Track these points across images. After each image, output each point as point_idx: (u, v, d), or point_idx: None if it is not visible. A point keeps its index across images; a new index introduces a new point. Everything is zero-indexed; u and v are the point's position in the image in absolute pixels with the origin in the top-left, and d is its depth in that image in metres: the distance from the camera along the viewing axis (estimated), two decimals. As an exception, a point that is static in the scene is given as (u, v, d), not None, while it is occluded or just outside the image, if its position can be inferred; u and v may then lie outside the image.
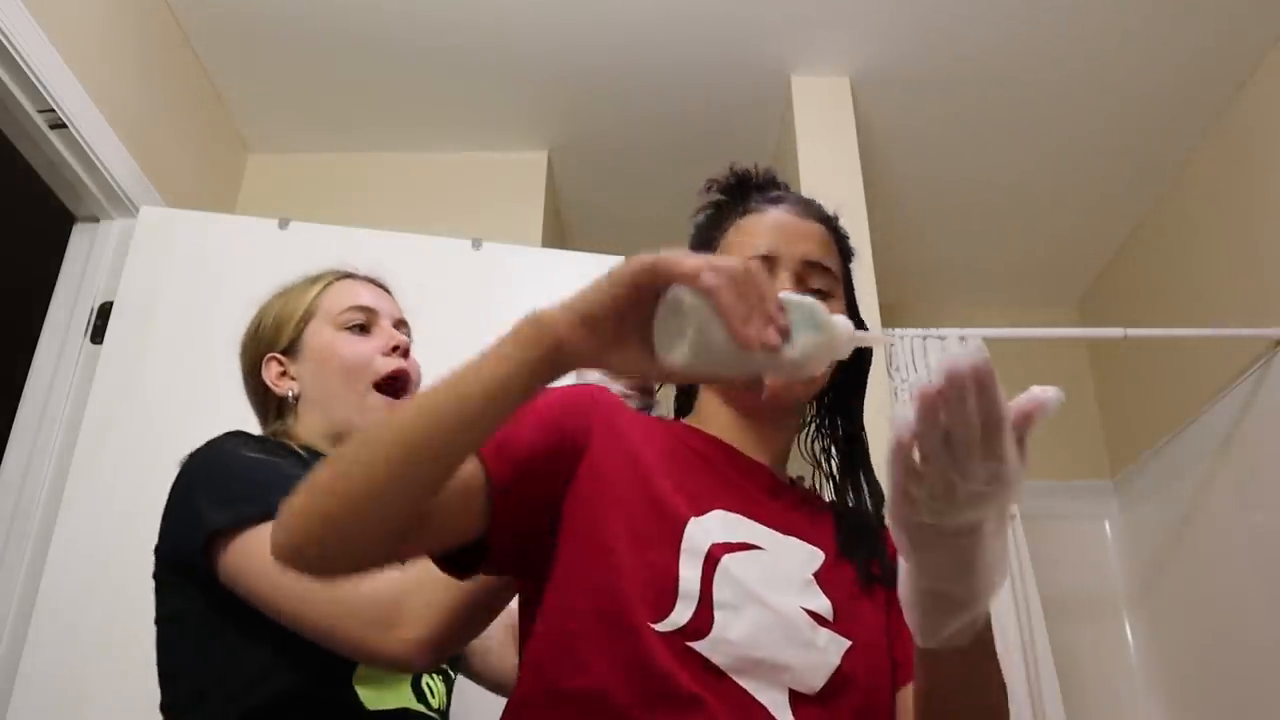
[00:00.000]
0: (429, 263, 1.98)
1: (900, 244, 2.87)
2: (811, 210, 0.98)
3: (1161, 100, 2.47)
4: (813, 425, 1.02)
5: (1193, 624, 2.55)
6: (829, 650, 0.78)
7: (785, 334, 0.65)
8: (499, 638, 1.21)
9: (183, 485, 1.07)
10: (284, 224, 2.02)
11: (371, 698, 1.03)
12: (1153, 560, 2.75)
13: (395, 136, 2.65)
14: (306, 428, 1.18)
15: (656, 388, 1.08)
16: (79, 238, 2.04)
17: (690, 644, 0.75)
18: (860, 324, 0.96)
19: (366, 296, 1.24)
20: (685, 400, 1.05)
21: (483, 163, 2.68)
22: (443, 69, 2.43)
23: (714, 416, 0.94)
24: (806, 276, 0.92)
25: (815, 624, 0.79)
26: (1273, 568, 2.21)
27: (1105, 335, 2.63)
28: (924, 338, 2.21)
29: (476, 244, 2.08)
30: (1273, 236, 2.30)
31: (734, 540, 0.80)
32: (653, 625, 0.75)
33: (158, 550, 1.08)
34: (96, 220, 2.04)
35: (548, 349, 0.67)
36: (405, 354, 1.22)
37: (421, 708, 1.09)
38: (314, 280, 1.24)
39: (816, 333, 0.66)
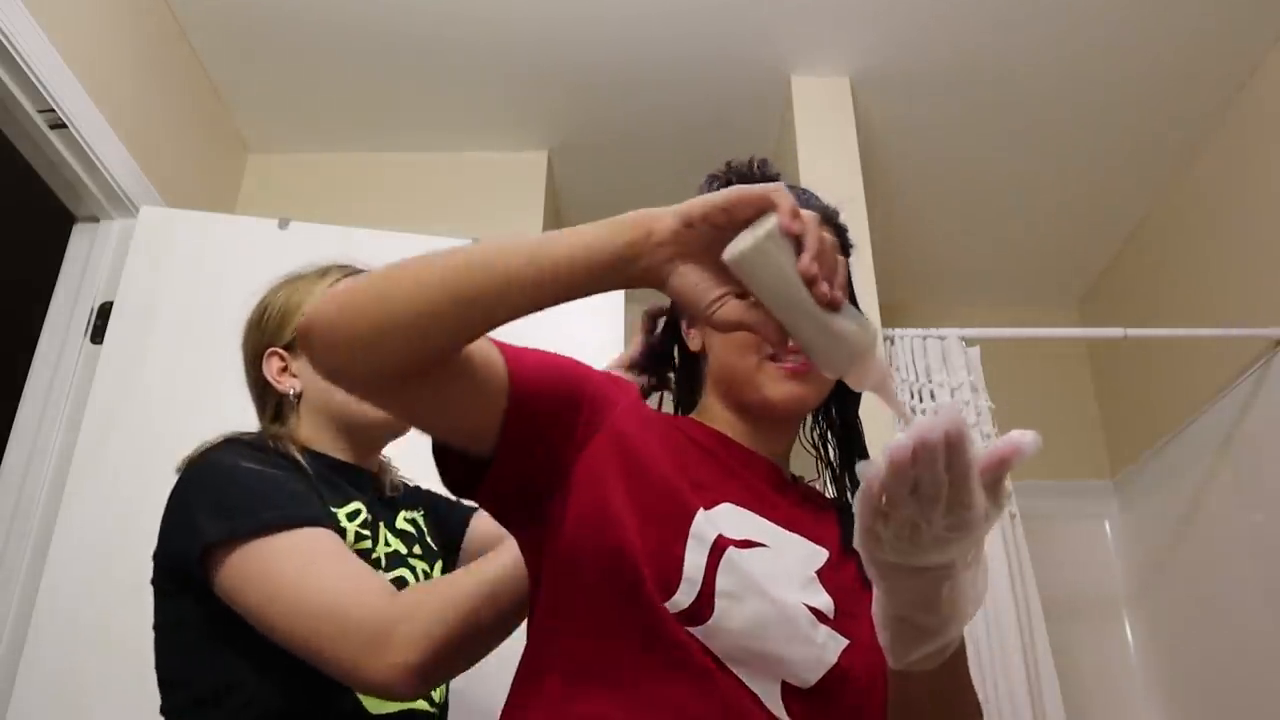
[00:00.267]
0: (429, 263, 1.97)
1: (900, 244, 2.87)
2: (810, 206, 0.98)
3: (1161, 100, 2.47)
4: (811, 415, 1.02)
5: (1193, 624, 2.55)
6: (827, 647, 0.79)
7: (838, 305, 0.66)
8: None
9: (180, 495, 1.06)
10: (284, 224, 2.02)
11: (374, 702, 1.03)
12: (1153, 560, 2.75)
13: (395, 136, 2.65)
14: (308, 427, 1.17)
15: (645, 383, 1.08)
16: (79, 238, 2.04)
17: (690, 629, 0.76)
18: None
19: None
20: (687, 398, 1.05)
21: (483, 163, 2.68)
22: (443, 69, 2.43)
23: (718, 415, 0.95)
24: None
25: (815, 620, 0.79)
26: (1273, 568, 2.22)
27: (1105, 335, 2.63)
28: (924, 338, 2.21)
29: (477, 244, 2.08)
30: (1273, 236, 2.30)
31: (739, 537, 0.81)
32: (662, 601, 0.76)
33: (155, 558, 1.08)
34: (96, 220, 2.04)
35: (637, 233, 0.69)
36: None
37: (424, 704, 1.08)
38: (322, 274, 1.22)
39: (861, 330, 0.67)
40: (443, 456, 0.83)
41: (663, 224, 0.69)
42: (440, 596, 0.93)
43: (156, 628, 1.08)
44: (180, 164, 2.29)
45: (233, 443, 1.09)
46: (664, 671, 0.75)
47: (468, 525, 1.30)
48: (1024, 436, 0.57)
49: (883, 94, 2.48)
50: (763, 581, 0.78)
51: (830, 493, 1.01)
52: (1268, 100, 2.34)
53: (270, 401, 1.19)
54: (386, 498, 1.21)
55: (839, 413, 1.02)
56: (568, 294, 0.72)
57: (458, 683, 1.18)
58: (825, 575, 0.84)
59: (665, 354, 1.06)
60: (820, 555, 0.85)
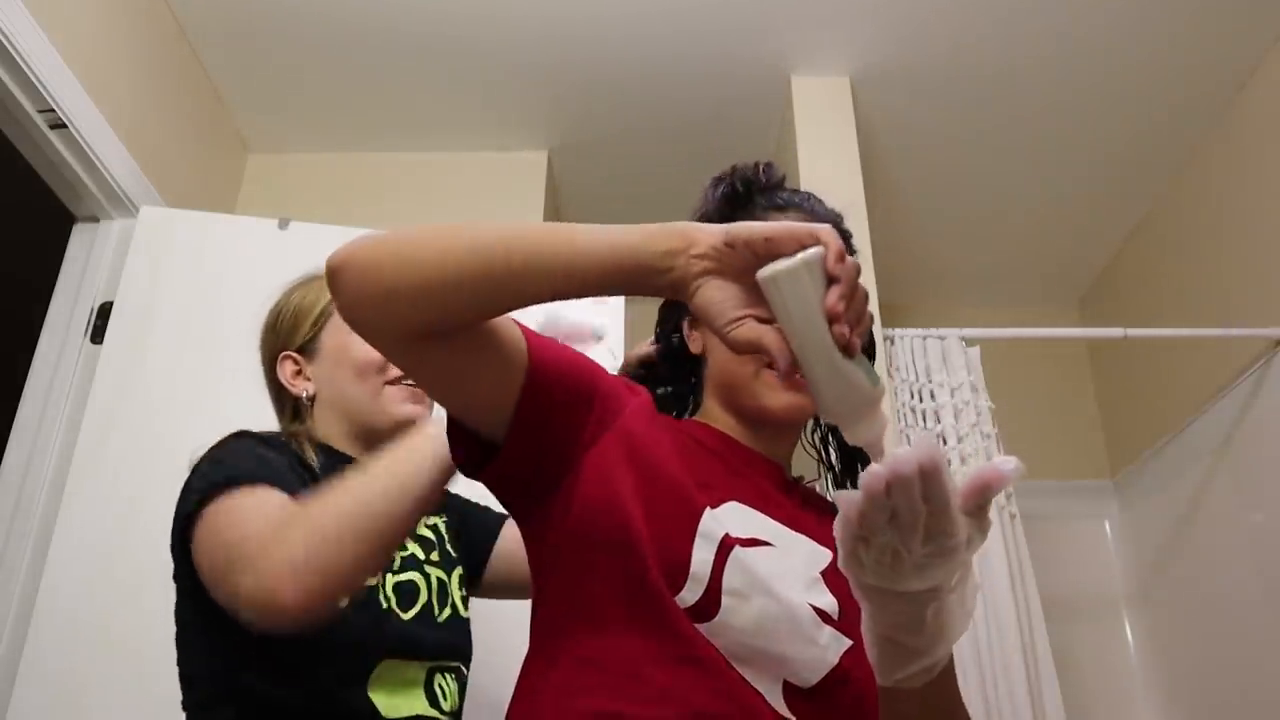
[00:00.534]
0: (429, 263, 1.97)
1: (900, 244, 2.87)
2: (820, 216, 0.98)
3: (1161, 100, 2.47)
4: (813, 418, 1.02)
5: (1193, 624, 2.55)
6: (829, 648, 0.79)
7: (854, 352, 0.67)
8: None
9: (184, 484, 1.06)
10: (284, 224, 2.02)
11: (387, 705, 1.03)
12: (1153, 560, 2.75)
13: (395, 136, 2.65)
14: (324, 428, 1.18)
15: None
16: (79, 238, 2.04)
17: (695, 624, 0.76)
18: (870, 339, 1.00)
19: None
20: (690, 400, 1.05)
21: (483, 163, 2.68)
22: (443, 69, 2.43)
23: (719, 418, 0.96)
24: None
25: (820, 621, 0.79)
26: (1273, 568, 2.22)
27: (1105, 335, 2.63)
28: (924, 338, 2.21)
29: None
30: (1273, 236, 2.30)
31: (746, 535, 0.81)
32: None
33: (171, 549, 1.07)
34: (96, 220, 2.04)
35: (678, 243, 0.70)
36: None
37: (434, 713, 1.08)
38: None
39: (873, 381, 0.68)
40: (455, 435, 0.84)
41: (705, 238, 0.70)
42: (308, 522, 0.91)
43: (176, 622, 1.08)
44: (180, 164, 2.29)
45: (243, 434, 1.10)
46: (673, 665, 0.75)
47: (499, 531, 1.31)
48: (1007, 463, 0.58)
49: (883, 94, 2.48)
50: (769, 580, 0.78)
51: (832, 495, 1.01)
52: (1268, 100, 2.34)
53: (288, 403, 1.21)
54: None
55: None
56: (596, 289, 0.73)
57: (473, 683, 1.19)
58: (829, 576, 0.84)
59: (680, 356, 1.05)
60: (824, 556, 0.86)
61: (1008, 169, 2.73)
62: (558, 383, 0.82)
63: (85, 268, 2.00)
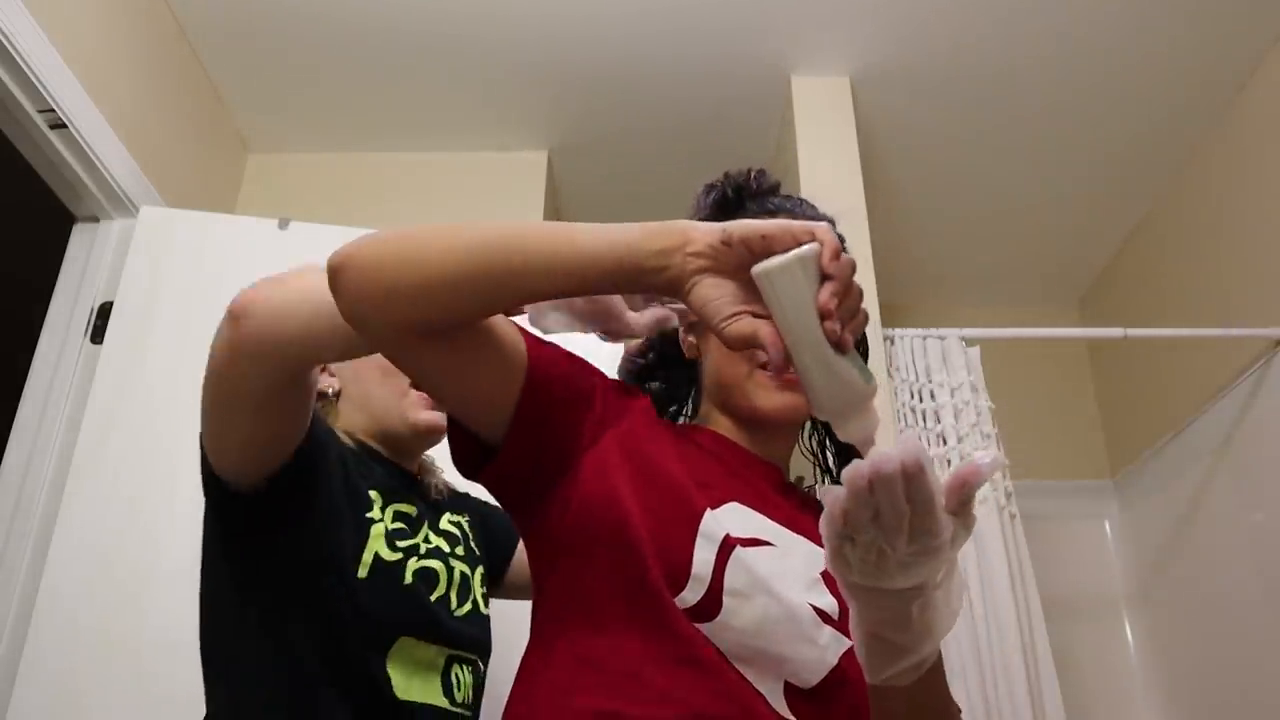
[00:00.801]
0: (429, 263, 1.97)
1: (900, 244, 2.87)
2: (809, 218, 0.97)
3: (1161, 100, 2.47)
4: (809, 421, 1.02)
5: (1193, 624, 2.55)
6: (829, 649, 0.79)
7: (846, 349, 0.67)
8: None
9: None
10: (284, 224, 2.02)
11: (401, 684, 1.04)
12: (1153, 560, 2.75)
13: (395, 136, 2.65)
14: (347, 423, 1.19)
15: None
16: (79, 238, 2.04)
17: (697, 625, 0.76)
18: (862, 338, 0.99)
19: None
20: (674, 398, 1.05)
21: (483, 163, 2.68)
22: (443, 69, 2.43)
23: (717, 422, 0.96)
24: None
25: (820, 621, 0.80)
26: (1273, 568, 2.22)
27: (1105, 335, 2.63)
28: (924, 338, 2.21)
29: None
30: (1273, 236, 2.30)
31: (747, 535, 0.81)
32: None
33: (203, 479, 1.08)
34: (96, 220, 2.04)
35: (673, 241, 0.70)
36: None
37: (446, 703, 1.09)
38: None
39: (865, 379, 0.68)
40: (455, 436, 0.85)
41: (701, 236, 0.70)
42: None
43: (200, 596, 1.08)
44: (180, 164, 2.29)
45: None
46: (673, 665, 0.75)
47: (516, 548, 1.33)
48: (984, 457, 0.59)
49: (883, 94, 2.48)
50: (770, 580, 0.78)
51: (818, 491, 1.02)
52: (1268, 100, 2.34)
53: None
54: (431, 500, 1.23)
55: None
56: (596, 287, 0.74)
57: (492, 683, 1.19)
58: (829, 576, 0.84)
59: (671, 358, 1.06)
60: (823, 557, 0.86)
61: (1008, 169, 2.72)
62: (557, 382, 0.83)
63: (85, 268, 2.00)
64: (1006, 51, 2.35)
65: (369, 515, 1.09)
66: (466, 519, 1.27)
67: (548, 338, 0.86)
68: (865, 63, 2.41)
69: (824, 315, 0.66)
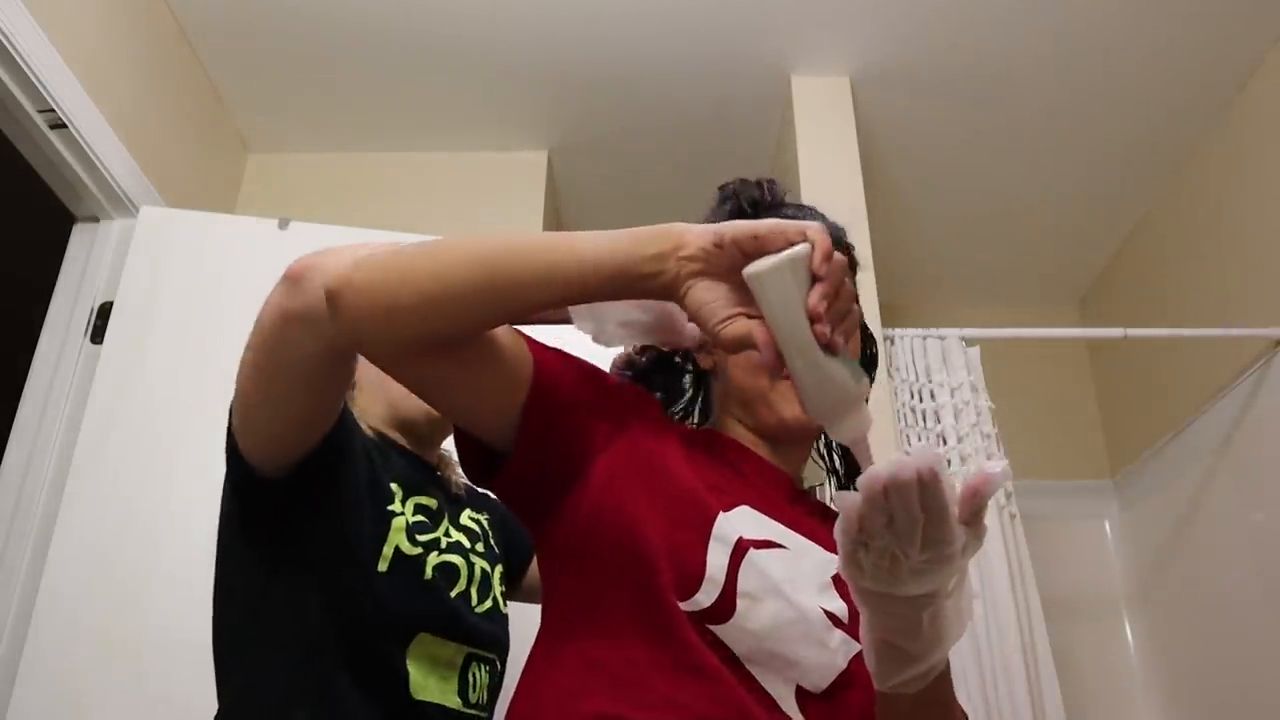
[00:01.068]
0: (429, 263, 1.97)
1: (900, 244, 2.87)
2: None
3: (1162, 100, 2.47)
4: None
5: (1193, 624, 2.55)
6: (839, 652, 0.79)
7: (837, 350, 0.67)
8: None
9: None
10: (284, 224, 2.02)
11: (419, 682, 1.03)
12: (1153, 560, 2.75)
13: (395, 136, 2.65)
14: (363, 411, 1.18)
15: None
16: (79, 238, 2.04)
17: (711, 627, 0.76)
18: (870, 338, 1.01)
19: None
20: (697, 412, 1.05)
21: (483, 163, 2.68)
22: (443, 69, 2.43)
23: (734, 431, 0.95)
24: None
25: (831, 625, 0.80)
26: (1273, 568, 2.22)
27: (1105, 335, 2.63)
28: (924, 338, 2.21)
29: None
30: (1273, 236, 2.30)
31: (760, 537, 0.81)
32: (677, 602, 0.77)
33: (222, 515, 1.07)
34: (96, 220, 2.04)
35: (666, 245, 0.71)
36: None
37: (460, 704, 1.08)
38: None
39: (856, 379, 0.68)
40: (463, 444, 0.85)
41: (694, 239, 0.70)
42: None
43: (215, 583, 1.06)
44: (180, 164, 2.29)
45: None
46: (675, 672, 0.75)
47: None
48: (994, 466, 0.60)
49: (883, 94, 2.48)
50: (782, 584, 0.78)
51: (833, 497, 1.01)
52: (1268, 100, 2.34)
53: None
54: (452, 494, 1.22)
55: None
56: (598, 295, 0.74)
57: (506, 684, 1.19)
58: (840, 580, 0.84)
59: (668, 363, 1.05)
60: (833, 562, 0.85)
61: (1008, 169, 2.73)
62: (564, 389, 0.83)
63: (85, 268, 2.00)
64: (1006, 51, 2.35)
65: (390, 508, 1.08)
66: (486, 517, 1.26)
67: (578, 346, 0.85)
68: (865, 63, 2.41)
69: (813, 318, 0.66)
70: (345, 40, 2.34)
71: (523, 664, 0.85)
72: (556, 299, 0.75)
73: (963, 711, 0.79)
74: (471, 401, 0.82)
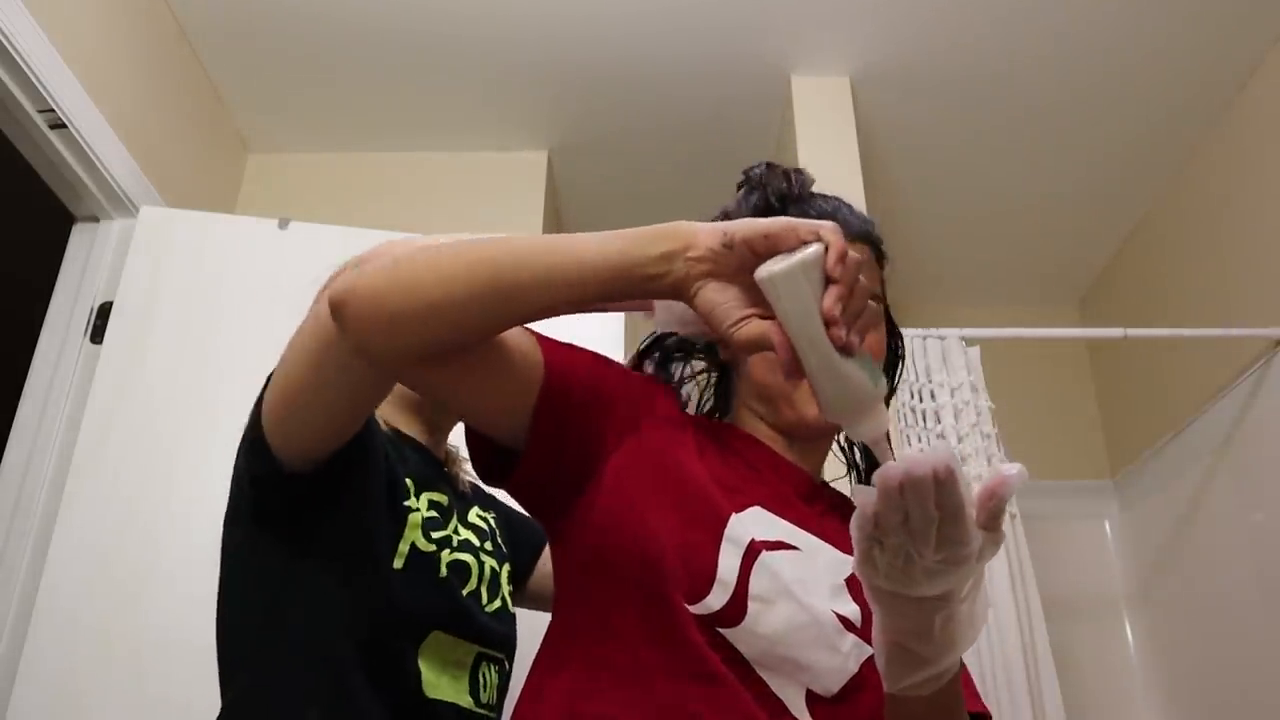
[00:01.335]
0: (429, 262, 1.97)
1: (900, 244, 2.84)
2: (854, 229, 0.95)
3: (1162, 100, 2.47)
4: None
5: (1193, 624, 2.55)
6: (850, 656, 0.78)
7: (852, 351, 0.66)
8: None
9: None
10: (284, 224, 2.02)
11: (431, 680, 1.03)
12: (1153, 560, 2.75)
13: (395, 136, 2.65)
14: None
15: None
16: (79, 238, 2.04)
17: (721, 630, 0.76)
18: (896, 333, 1.00)
19: None
20: (719, 403, 1.04)
21: (483, 163, 2.68)
22: (443, 69, 2.43)
23: (753, 428, 0.94)
24: None
25: (843, 629, 0.79)
26: (1272, 568, 2.22)
27: (1105, 335, 2.63)
28: (924, 338, 2.21)
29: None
30: (1273, 236, 2.30)
31: (772, 538, 0.81)
32: (686, 605, 0.76)
33: (231, 513, 1.05)
34: (96, 220, 2.04)
35: (675, 245, 0.70)
36: None
37: (471, 703, 1.08)
38: None
39: (873, 380, 0.67)
40: (474, 442, 0.84)
41: (703, 239, 0.69)
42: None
43: (221, 580, 1.05)
44: (180, 164, 2.29)
45: None
46: (678, 676, 0.75)
47: (539, 553, 1.31)
48: (1011, 469, 0.60)
49: (883, 94, 2.48)
50: (794, 586, 0.78)
51: (851, 490, 1.00)
52: (1268, 100, 2.34)
53: None
54: (460, 491, 1.22)
55: None
56: (602, 296, 0.73)
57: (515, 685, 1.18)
58: (853, 584, 0.83)
59: (687, 347, 1.02)
60: (847, 564, 0.85)
61: (1008, 169, 2.73)
62: (575, 389, 0.82)
63: (85, 268, 2.00)
64: (1006, 52, 2.35)
65: (406, 503, 1.07)
66: (493, 516, 1.26)
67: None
68: (865, 63, 2.41)
69: (829, 321, 0.65)
70: (345, 40, 2.34)
71: (529, 664, 0.85)
72: (561, 302, 0.74)
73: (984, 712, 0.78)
74: (482, 403, 0.81)
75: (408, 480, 1.09)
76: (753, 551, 0.78)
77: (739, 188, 0.99)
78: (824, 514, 0.90)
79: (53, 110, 1.78)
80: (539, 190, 2.64)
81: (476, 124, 2.62)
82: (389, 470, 1.06)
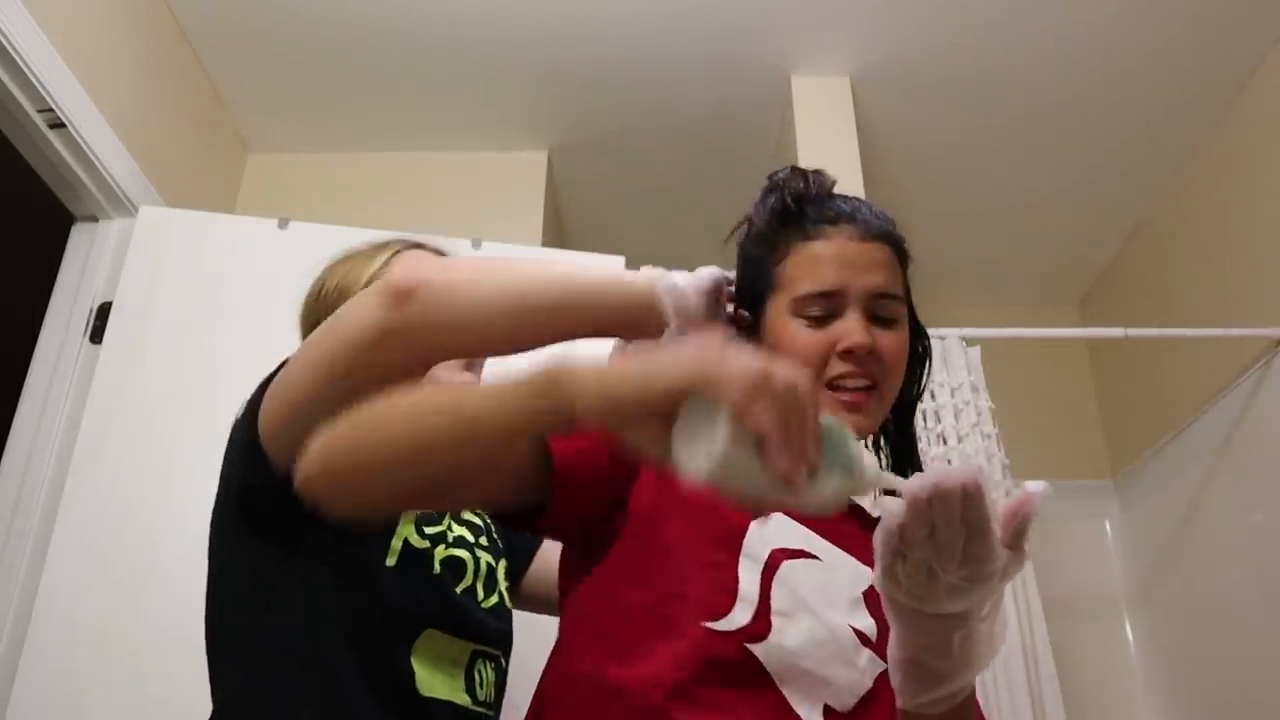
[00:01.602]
0: (429, 262, 1.97)
1: (900, 244, 2.86)
2: (873, 229, 0.93)
3: (1162, 100, 2.47)
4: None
5: (1193, 624, 2.55)
6: (866, 672, 0.78)
7: (814, 471, 0.59)
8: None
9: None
10: (284, 224, 2.02)
11: (425, 680, 1.02)
12: (1153, 560, 2.75)
13: (395, 136, 2.65)
14: None
15: None
16: (78, 238, 2.04)
17: (747, 645, 0.76)
18: (921, 333, 0.98)
19: None
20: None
21: (483, 163, 2.68)
22: (443, 69, 2.43)
23: None
24: (876, 309, 0.90)
25: (860, 644, 0.79)
26: (1273, 568, 2.21)
27: (1105, 335, 2.63)
28: (924, 338, 2.20)
29: (476, 244, 2.08)
30: (1273, 236, 2.30)
31: (793, 546, 0.81)
32: (708, 624, 0.76)
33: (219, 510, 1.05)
34: (96, 220, 2.04)
35: (561, 419, 0.63)
36: None
37: (468, 701, 1.07)
38: (381, 247, 1.19)
39: (846, 477, 0.61)
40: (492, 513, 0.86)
41: (593, 407, 0.61)
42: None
43: (212, 578, 1.04)
44: (180, 164, 2.29)
45: None
46: (687, 696, 0.74)
47: (540, 545, 1.30)
48: (1036, 486, 0.59)
49: (883, 94, 2.48)
50: (812, 600, 0.78)
51: (877, 501, 1.00)
52: (1268, 100, 2.34)
53: None
54: None
55: (894, 421, 0.99)
56: (513, 442, 0.72)
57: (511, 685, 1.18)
58: (870, 597, 0.83)
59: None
60: (866, 576, 0.85)
61: (1008, 169, 2.72)
62: (586, 466, 0.81)
63: (85, 267, 2.00)
64: (1006, 51, 2.35)
65: None
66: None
67: None
68: (865, 62, 2.41)
69: (774, 477, 0.58)
70: (345, 40, 2.34)
71: (525, 662, 0.85)
72: (481, 454, 0.70)
73: None
74: (490, 501, 0.82)
75: None
76: (772, 565, 0.78)
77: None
78: (844, 522, 0.90)
79: (52, 110, 1.78)
80: (539, 190, 2.64)
81: (476, 124, 2.62)
82: None
